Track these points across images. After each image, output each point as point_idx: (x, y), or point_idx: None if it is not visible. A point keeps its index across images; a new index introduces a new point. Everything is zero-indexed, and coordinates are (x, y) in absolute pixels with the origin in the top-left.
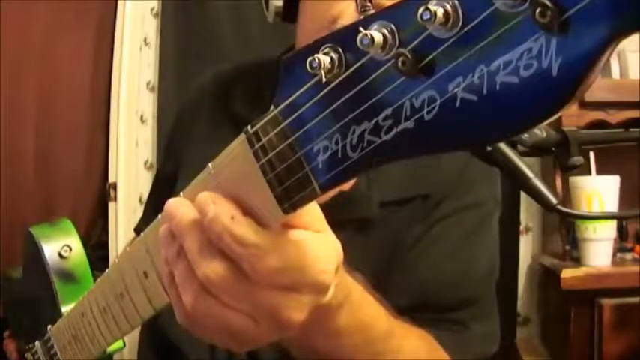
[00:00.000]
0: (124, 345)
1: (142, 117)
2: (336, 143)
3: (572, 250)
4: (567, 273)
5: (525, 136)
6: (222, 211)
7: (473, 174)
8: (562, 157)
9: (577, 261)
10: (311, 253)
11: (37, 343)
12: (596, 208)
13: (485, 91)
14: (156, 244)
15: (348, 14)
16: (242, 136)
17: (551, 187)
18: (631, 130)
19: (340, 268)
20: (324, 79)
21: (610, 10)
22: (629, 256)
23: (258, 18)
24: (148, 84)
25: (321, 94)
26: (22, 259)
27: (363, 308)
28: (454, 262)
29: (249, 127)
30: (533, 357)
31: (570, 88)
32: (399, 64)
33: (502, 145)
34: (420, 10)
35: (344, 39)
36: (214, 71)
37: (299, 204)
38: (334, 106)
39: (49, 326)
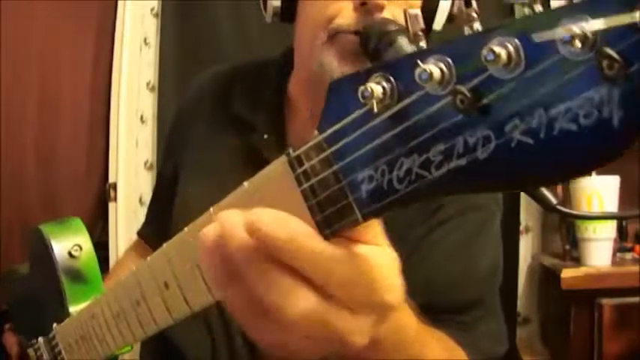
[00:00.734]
0: (132, 347)
1: (142, 117)
2: (382, 174)
3: (572, 250)
4: (567, 273)
5: None
6: (300, 229)
7: None
8: None
9: (577, 261)
10: (377, 269)
11: (40, 339)
12: (596, 208)
13: (542, 135)
14: (180, 256)
15: (345, 14)
16: (283, 158)
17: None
18: None
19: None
20: (375, 110)
21: None
22: (629, 256)
23: (258, 18)
24: (147, 84)
25: (371, 124)
26: (29, 256)
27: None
28: (456, 264)
29: (290, 150)
30: (533, 357)
31: (630, 139)
32: (457, 102)
33: None
34: (484, 51)
35: (397, 69)
36: (213, 71)
37: (339, 231)
38: (384, 137)
39: (55, 324)
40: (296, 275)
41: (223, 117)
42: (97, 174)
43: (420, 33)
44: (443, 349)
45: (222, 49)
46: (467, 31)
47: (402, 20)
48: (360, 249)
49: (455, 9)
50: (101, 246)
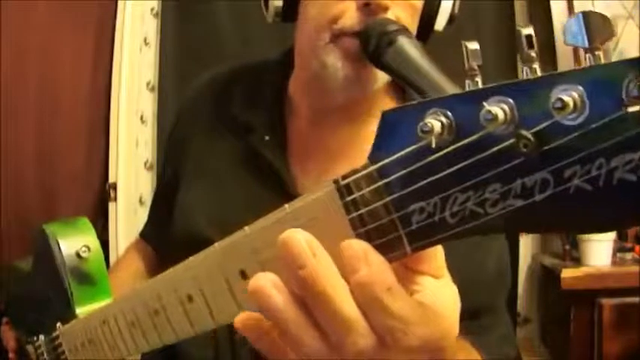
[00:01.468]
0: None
1: (142, 117)
2: (435, 208)
3: (572, 250)
4: (567, 273)
5: None
6: (378, 278)
7: None
8: None
9: (577, 261)
10: (446, 314)
11: (41, 337)
12: None
13: (601, 184)
14: (208, 271)
15: (348, 14)
16: (330, 184)
17: None
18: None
19: None
20: (433, 145)
21: None
22: (629, 256)
23: (259, 18)
24: (147, 84)
25: (428, 159)
26: (33, 255)
27: None
28: (466, 269)
29: (340, 177)
30: (533, 357)
31: None
32: (520, 145)
33: None
34: (552, 99)
35: (457, 106)
36: (211, 74)
37: (387, 262)
38: (440, 173)
39: (59, 325)
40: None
41: (223, 119)
42: (97, 174)
43: (476, 68)
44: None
45: (222, 49)
46: (526, 73)
47: (405, 21)
48: (426, 296)
49: (456, 9)
50: (101, 246)
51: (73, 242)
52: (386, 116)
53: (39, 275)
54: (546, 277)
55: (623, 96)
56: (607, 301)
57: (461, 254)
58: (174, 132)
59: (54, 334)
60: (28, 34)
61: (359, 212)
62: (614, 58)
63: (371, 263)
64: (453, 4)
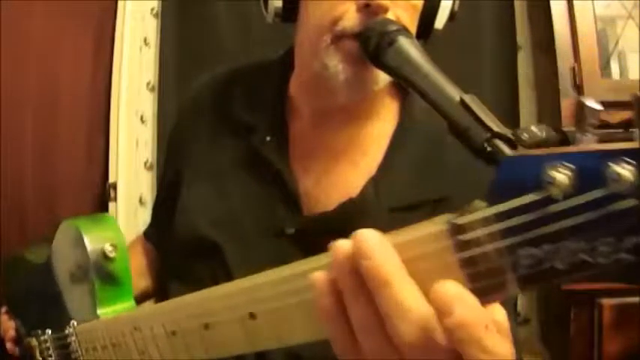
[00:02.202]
0: None
1: (142, 117)
2: (546, 255)
3: None
4: None
5: (525, 136)
6: (476, 320)
7: (477, 178)
8: None
9: None
10: (499, 332)
11: (48, 332)
12: None
13: None
14: (276, 291)
15: (349, 15)
16: (443, 224)
17: None
18: (631, 130)
19: None
20: (555, 197)
21: None
22: None
23: (259, 18)
24: (147, 84)
25: (548, 210)
26: (51, 247)
27: None
28: None
29: (456, 215)
30: (533, 357)
31: None
32: None
33: (503, 145)
34: None
35: (582, 162)
36: (211, 75)
37: (490, 302)
38: (558, 224)
39: (74, 322)
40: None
41: (224, 120)
42: (97, 174)
43: (594, 124)
44: None
45: (223, 49)
46: None
47: (405, 21)
48: (503, 325)
49: (455, 7)
50: None
51: (99, 240)
52: (507, 161)
53: (53, 268)
54: None
55: None
56: (607, 301)
57: None
58: (175, 133)
59: (66, 332)
60: (28, 35)
61: (470, 253)
62: (614, 58)
63: (465, 304)
64: (453, 2)
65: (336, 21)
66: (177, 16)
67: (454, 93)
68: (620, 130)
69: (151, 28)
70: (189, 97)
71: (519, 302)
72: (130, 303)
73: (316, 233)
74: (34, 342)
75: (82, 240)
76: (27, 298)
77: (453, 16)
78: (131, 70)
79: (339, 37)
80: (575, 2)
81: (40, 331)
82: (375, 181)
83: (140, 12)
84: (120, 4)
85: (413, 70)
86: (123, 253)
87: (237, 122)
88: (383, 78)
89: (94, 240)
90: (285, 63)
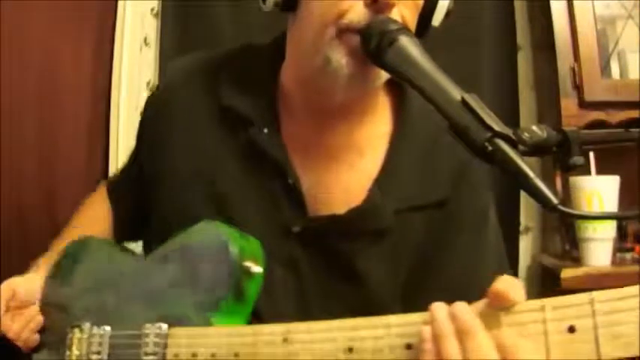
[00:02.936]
0: None
1: None
2: None
3: (572, 250)
4: (567, 273)
5: (526, 135)
6: None
7: (478, 178)
8: (562, 157)
9: (577, 261)
10: None
11: (106, 328)
12: (596, 208)
13: None
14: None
15: (355, 9)
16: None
17: (552, 187)
18: (631, 130)
19: None
20: None
21: None
22: (629, 256)
23: (259, 18)
24: (147, 84)
25: None
26: (171, 241)
27: None
28: (464, 273)
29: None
30: None
31: None
32: None
33: (503, 145)
34: None
35: None
36: (193, 58)
37: None
38: None
39: (164, 325)
40: None
41: (212, 108)
42: (97, 174)
43: None
44: None
45: None
46: None
47: (408, 19)
48: None
49: (451, 5)
50: None
51: (246, 256)
52: None
53: (167, 262)
54: (546, 277)
55: None
56: None
57: (459, 257)
58: (151, 124)
59: (145, 331)
60: (29, 34)
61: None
62: (613, 58)
63: None
64: (450, 0)
65: (342, 14)
66: (177, 16)
67: (455, 92)
68: (621, 130)
69: (151, 28)
70: (165, 83)
71: None
72: (242, 324)
73: (324, 234)
74: (77, 334)
75: (226, 246)
76: (87, 287)
77: (448, 13)
78: (131, 70)
79: (343, 31)
80: (575, 2)
81: (88, 325)
82: (379, 184)
83: (140, 12)
84: (120, 4)
85: (414, 69)
86: (259, 278)
87: (228, 112)
88: (382, 75)
89: (241, 253)
90: (276, 50)
